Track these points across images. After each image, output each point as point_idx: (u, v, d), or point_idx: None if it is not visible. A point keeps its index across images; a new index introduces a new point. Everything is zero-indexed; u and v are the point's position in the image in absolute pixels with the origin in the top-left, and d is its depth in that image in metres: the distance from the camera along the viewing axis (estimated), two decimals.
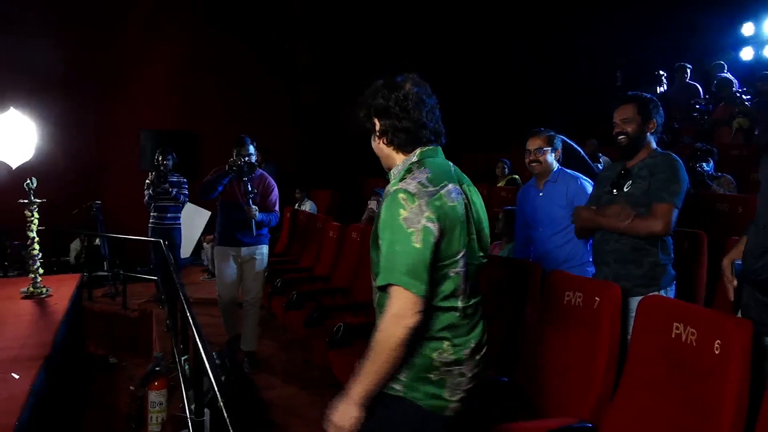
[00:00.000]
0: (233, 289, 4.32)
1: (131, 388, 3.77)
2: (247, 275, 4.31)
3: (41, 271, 4.51)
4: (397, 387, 1.68)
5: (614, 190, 2.61)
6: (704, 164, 4.88)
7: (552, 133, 3.26)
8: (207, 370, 1.98)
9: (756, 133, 6.38)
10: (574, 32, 9.61)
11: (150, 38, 8.94)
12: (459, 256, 1.67)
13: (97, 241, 6.93)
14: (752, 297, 2.05)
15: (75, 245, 7.67)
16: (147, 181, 6.11)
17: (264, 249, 4.39)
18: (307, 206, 7.73)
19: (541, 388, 2.47)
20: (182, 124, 9.02)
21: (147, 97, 8.90)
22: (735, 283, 2.13)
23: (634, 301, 2.34)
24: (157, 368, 3.19)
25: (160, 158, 6.06)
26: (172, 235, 6.03)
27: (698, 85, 7.58)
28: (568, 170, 3.22)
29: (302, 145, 9.56)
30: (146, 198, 6.06)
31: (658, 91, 7.96)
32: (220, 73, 9.36)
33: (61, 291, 4.66)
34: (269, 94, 9.67)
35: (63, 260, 7.58)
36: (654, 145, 2.62)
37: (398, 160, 1.77)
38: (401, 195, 1.61)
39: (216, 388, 1.81)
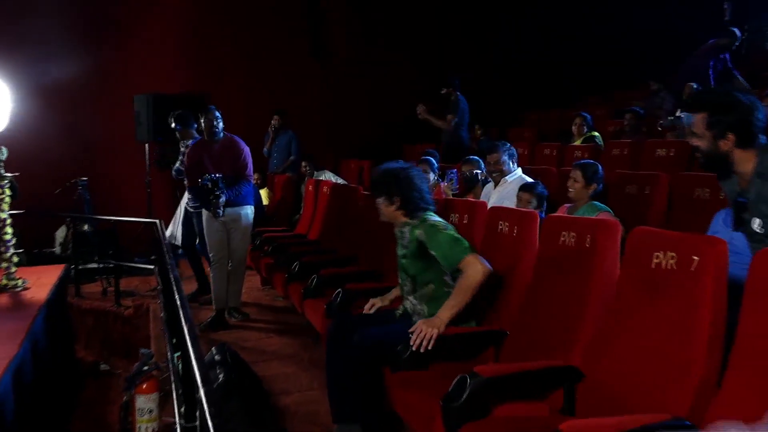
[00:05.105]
0: (223, 246, 4.61)
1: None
2: (234, 236, 4.61)
3: (16, 260, 4.04)
4: None
5: (746, 234, 2.04)
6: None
7: None
8: (192, 366, 1.50)
9: None
10: None
11: None
12: None
13: (86, 226, 6.10)
14: None
15: (60, 233, 6.68)
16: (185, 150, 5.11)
17: (248, 209, 4.65)
18: (324, 178, 6.42)
19: (621, 376, 1.96)
20: (187, 86, 7.69)
21: (143, 55, 7.63)
22: None
23: None
24: (144, 367, 2.68)
25: (173, 125, 5.17)
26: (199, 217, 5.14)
27: None
28: None
29: (331, 109, 8.47)
30: (175, 168, 5.29)
31: None
32: (233, 25, 8.10)
33: (40, 283, 4.20)
34: (293, 50, 8.45)
35: (47, 252, 6.62)
36: (760, 141, 1.99)
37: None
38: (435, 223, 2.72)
39: (202, 390, 1.34)
